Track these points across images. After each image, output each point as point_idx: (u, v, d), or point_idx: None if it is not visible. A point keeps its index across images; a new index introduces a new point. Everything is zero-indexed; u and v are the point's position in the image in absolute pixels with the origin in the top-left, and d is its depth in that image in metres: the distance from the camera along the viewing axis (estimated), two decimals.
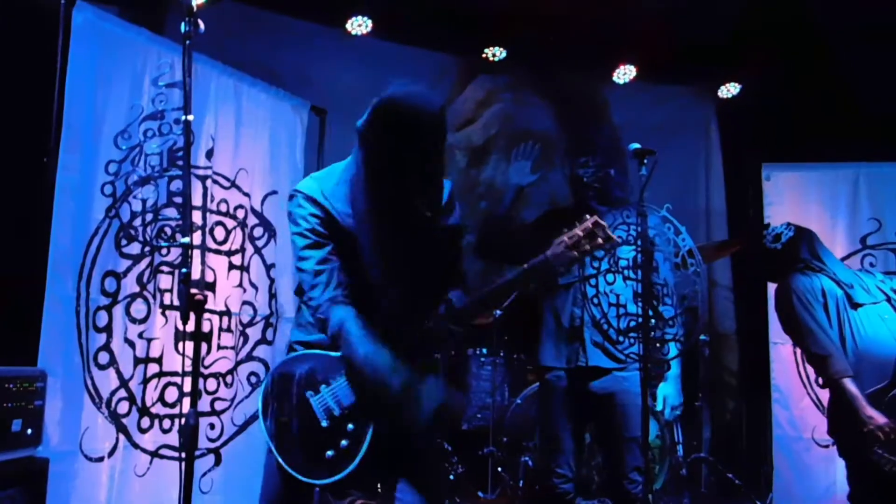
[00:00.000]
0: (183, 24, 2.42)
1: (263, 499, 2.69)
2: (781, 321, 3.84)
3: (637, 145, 3.36)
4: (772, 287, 5.46)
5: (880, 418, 3.29)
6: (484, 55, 5.76)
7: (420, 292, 2.62)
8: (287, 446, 2.55)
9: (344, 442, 2.51)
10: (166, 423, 3.79)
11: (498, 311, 5.00)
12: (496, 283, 2.63)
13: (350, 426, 2.52)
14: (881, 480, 3.29)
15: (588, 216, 2.63)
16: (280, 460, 2.53)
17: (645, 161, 3.33)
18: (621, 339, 3.55)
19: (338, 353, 2.56)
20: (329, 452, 2.50)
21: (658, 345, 3.70)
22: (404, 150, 2.44)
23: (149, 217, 3.76)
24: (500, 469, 4.77)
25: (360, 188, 2.58)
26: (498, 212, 3.78)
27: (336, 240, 2.60)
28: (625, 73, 5.95)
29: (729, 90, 6.14)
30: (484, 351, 5.18)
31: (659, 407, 3.83)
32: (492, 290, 2.63)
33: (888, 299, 3.62)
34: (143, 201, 3.74)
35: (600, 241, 2.61)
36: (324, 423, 2.53)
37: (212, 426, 4.01)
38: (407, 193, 2.49)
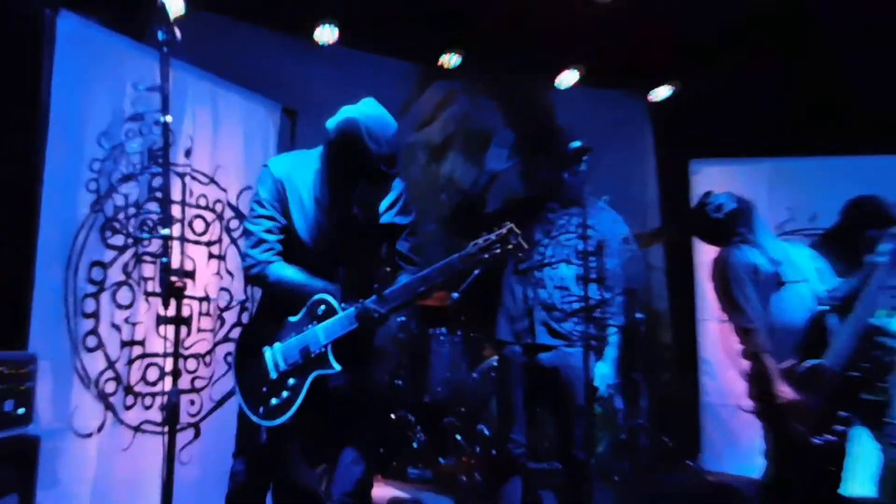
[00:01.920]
0: (160, 32, 2.40)
1: (237, 441, 2.90)
2: (715, 291, 3.72)
3: (578, 143, 3.38)
4: (700, 269, 5.56)
5: (790, 393, 3.31)
6: (440, 62, 5.74)
7: (352, 273, 2.86)
8: (247, 391, 2.76)
9: (285, 393, 2.70)
10: (147, 401, 3.74)
11: (455, 294, 4.98)
12: (411, 279, 2.79)
13: (291, 381, 2.71)
14: (791, 443, 3.33)
15: (506, 223, 2.72)
16: (240, 400, 2.75)
17: (584, 157, 3.35)
18: (567, 318, 3.59)
19: (295, 318, 2.75)
20: (273, 401, 2.71)
21: (601, 322, 3.74)
22: (356, 169, 2.69)
23: (131, 211, 3.70)
24: (458, 437, 4.78)
25: (320, 179, 2.83)
26: (472, 192, 3.78)
27: (283, 217, 2.83)
28: (568, 79, 5.97)
29: (661, 94, 6.18)
30: (443, 330, 5.19)
31: (596, 383, 3.82)
32: (410, 282, 2.77)
33: (810, 278, 3.58)
34: (126, 196, 3.68)
35: (511, 246, 2.69)
36: (272, 375, 2.73)
37: (192, 402, 3.98)
38: (349, 197, 2.78)
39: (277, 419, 2.68)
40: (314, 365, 2.69)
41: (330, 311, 2.71)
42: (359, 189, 2.75)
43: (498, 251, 2.70)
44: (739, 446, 5.16)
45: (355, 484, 2.82)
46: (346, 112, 2.74)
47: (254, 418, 2.72)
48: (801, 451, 3.33)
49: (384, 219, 2.91)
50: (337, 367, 2.69)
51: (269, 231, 2.80)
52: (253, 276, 2.82)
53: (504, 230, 2.70)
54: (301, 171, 2.86)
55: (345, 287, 2.79)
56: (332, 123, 2.74)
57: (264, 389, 2.71)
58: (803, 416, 3.29)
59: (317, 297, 2.73)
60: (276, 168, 2.88)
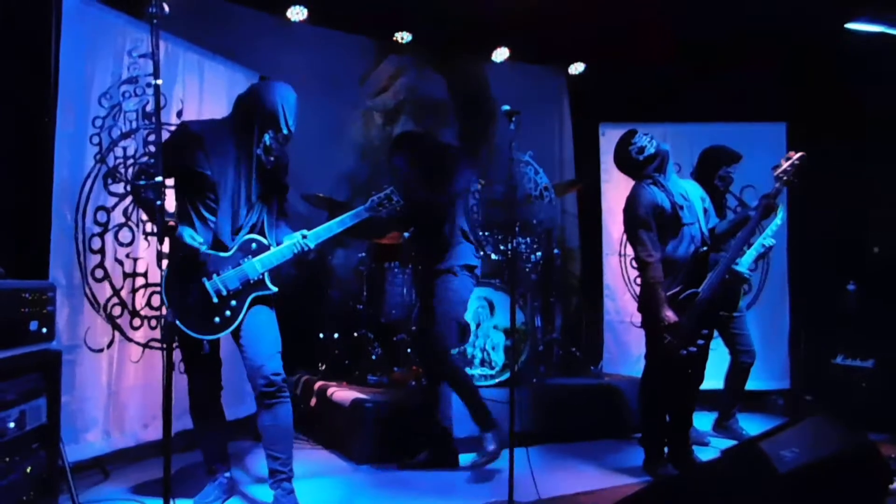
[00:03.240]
0: (151, 7, 2.37)
1: (184, 362, 3.08)
2: (625, 222, 3.67)
3: (507, 107, 3.36)
4: (605, 213, 5.72)
5: (672, 317, 3.41)
6: (394, 38, 5.69)
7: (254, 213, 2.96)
8: (186, 315, 2.80)
9: (227, 312, 2.84)
10: (153, 322, 3.76)
11: (406, 234, 5.04)
12: (331, 222, 3.01)
13: (233, 302, 2.86)
14: (665, 347, 3.48)
15: (388, 187, 3.11)
16: (179, 324, 2.78)
17: (513, 119, 3.34)
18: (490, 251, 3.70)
19: (226, 254, 2.86)
20: (216, 319, 2.84)
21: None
22: (267, 125, 2.87)
23: (129, 162, 3.65)
24: (408, 350, 4.88)
25: (228, 136, 2.93)
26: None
27: (188, 165, 2.86)
28: (500, 55, 5.97)
29: (577, 68, 6.23)
30: (396, 264, 5.22)
31: None
32: (329, 225, 3.00)
33: (700, 219, 3.60)
34: (124, 149, 3.63)
35: (394, 201, 3.10)
36: (214, 300, 2.83)
37: None
38: (257, 145, 2.89)
39: (219, 333, 2.85)
40: (252, 288, 2.88)
41: (262, 247, 2.91)
42: (266, 139, 2.87)
43: (387, 205, 3.07)
44: (631, 354, 5.39)
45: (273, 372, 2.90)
46: (262, 85, 2.98)
47: (196, 335, 2.82)
48: (670, 359, 3.50)
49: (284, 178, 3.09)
50: (273, 288, 2.92)
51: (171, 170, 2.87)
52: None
53: (388, 191, 3.07)
54: (214, 131, 2.94)
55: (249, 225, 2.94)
56: (251, 92, 2.97)
57: (206, 312, 2.82)
58: (677, 333, 3.43)
59: (248, 237, 2.89)
60: (190, 126, 2.97)
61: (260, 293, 2.90)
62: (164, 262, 2.44)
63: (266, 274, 2.90)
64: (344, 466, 3.92)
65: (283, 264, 2.98)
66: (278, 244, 2.97)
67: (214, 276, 2.83)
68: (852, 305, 5.03)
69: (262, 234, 2.96)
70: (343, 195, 5.43)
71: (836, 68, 5.02)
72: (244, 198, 2.90)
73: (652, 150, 3.60)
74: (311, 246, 2.94)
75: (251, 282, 2.87)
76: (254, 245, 2.90)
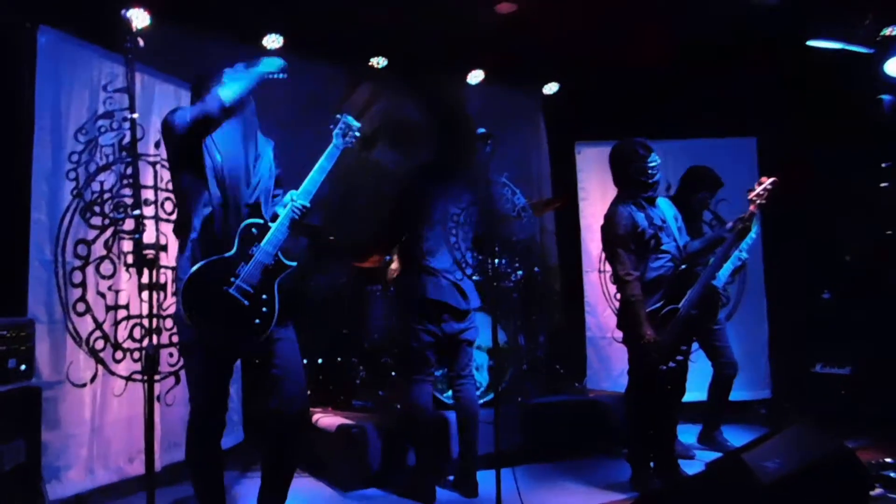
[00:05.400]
0: (126, 41, 2.38)
1: (193, 385, 2.78)
2: (603, 240, 3.73)
3: (483, 130, 3.40)
4: (584, 231, 5.77)
5: (652, 335, 3.45)
6: (370, 64, 5.74)
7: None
8: (219, 331, 2.62)
9: (264, 308, 2.68)
10: (136, 355, 3.72)
11: (388, 257, 5.04)
12: (311, 173, 2.85)
13: (264, 296, 2.69)
14: (646, 364, 3.52)
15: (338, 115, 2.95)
16: (219, 342, 2.62)
17: (488, 142, 3.37)
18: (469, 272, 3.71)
19: (231, 252, 2.66)
20: (257, 320, 2.67)
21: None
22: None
23: (107, 196, 3.64)
24: (393, 373, 4.86)
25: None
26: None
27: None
28: (475, 77, 6.03)
29: (551, 88, 6.31)
30: (378, 287, 5.23)
31: None
32: (312, 176, 2.85)
33: (677, 238, 3.68)
34: (101, 183, 3.62)
35: (352, 130, 2.95)
36: (246, 303, 2.65)
37: (171, 354, 3.96)
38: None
39: (268, 329, 2.68)
40: (274, 273, 2.71)
41: (262, 229, 2.73)
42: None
43: (350, 132, 2.91)
44: (613, 369, 5.39)
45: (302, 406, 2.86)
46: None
47: (247, 348, 2.70)
48: (651, 375, 3.54)
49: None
50: (292, 264, 2.75)
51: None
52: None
53: (340, 118, 2.91)
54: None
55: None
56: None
57: (244, 319, 2.64)
58: (657, 350, 3.47)
59: (244, 224, 2.70)
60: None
61: (283, 274, 2.74)
62: (145, 294, 2.39)
63: (279, 253, 2.73)
64: (331, 494, 3.88)
65: (290, 236, 2.79)
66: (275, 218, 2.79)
67: (232, 279, 2.64)
68: (828, 314, 5.12)
69: (258, 214, 2.76)
70: (319, 220, 5.43)
71: (804, 80, 5.14)
72: (243, 184, 2.77)
73: (652, 180, 3.62)
74: (307, 204, 2.77)
75: (270, 267, 2.70)
76: (254, 230, 2.72)
